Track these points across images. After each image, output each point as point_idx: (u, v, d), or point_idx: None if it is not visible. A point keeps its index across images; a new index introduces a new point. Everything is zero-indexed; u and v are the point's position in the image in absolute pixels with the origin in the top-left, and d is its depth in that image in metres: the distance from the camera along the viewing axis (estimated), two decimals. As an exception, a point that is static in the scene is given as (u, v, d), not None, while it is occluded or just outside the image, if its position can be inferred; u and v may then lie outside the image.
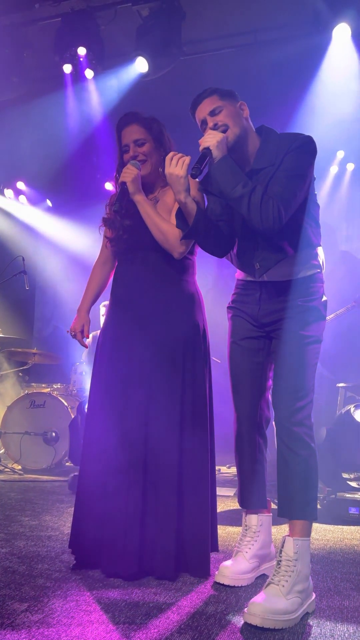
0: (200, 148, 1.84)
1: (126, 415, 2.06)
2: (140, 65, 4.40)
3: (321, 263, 1.99)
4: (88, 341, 2.43)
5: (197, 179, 1.90)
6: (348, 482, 3.18)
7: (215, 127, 1.89)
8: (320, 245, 1.99)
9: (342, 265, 5.56)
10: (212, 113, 1.91)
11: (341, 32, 3.83)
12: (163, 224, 2.08)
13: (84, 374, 4.96)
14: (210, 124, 1.91)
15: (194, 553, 1.98)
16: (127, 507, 1.98)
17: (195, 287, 2.21)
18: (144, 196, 2.12)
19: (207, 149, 1.82)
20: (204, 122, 1.94)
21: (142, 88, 4.70)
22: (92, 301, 2.37)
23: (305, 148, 1.86)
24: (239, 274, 2.10)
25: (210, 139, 1.83)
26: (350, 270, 5.46)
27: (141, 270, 2.16)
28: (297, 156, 1.85)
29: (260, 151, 1.92)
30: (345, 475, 3.19)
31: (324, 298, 1.97)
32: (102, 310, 4.90)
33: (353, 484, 3.17)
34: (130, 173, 2.08)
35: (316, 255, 1.97)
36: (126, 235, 2.19)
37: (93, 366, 2.25)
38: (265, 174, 1.87)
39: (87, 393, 4.81)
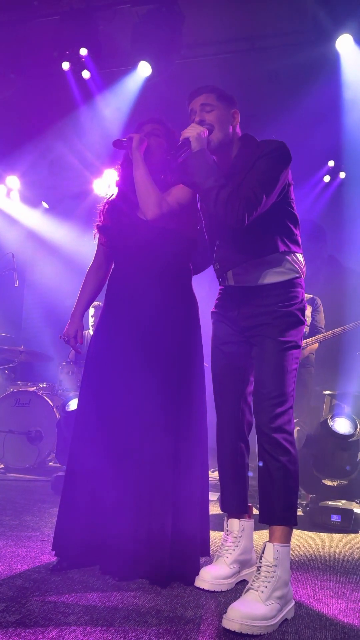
0: (181, 138, 1.91)
1: (118, 417, 2.05)
2: (143, 69, 4.40)
3: (300, 268, 2.00)
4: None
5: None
6: (330, 488, 3.19)
7: (200, 123, 1.95)
8: (298, 252, 2.00)
9: (327, 267, 5.61)
10: (203, 107, 1.97)
11: (344, 43, 3.86)
12: (151, 183, 2.08)
13: (71, 374, 4.93)
14: (197, 118, 1.97)
15: (186, 559, 1.97)
16: (120, 509, 1.97)
17: (190, 292, 2.22)
18: (142, 156, 2.13)
19: (187, 139, 1.89)
20: (193, 112, 2.01)
21: (140, 92, 4.71)
22: (86, 306, 2.37)
23: (277, 154, 1.90)
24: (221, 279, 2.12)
25: (191, 131, 1.90)
26: (335, 275, 5.51)
27: (136, 273, 2.16)
28: (267, 161, 1.89)
29: (237, 156, 1.99)
30: (327, 483, 3.20)
31: (303, 303, 1.99)
32: (92, 311, 4.89)
33: (333, 483, 3.16)
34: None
35: (291, 261, 1.97)
36: (121, 240, 2.19)
37: (84, 367, 2.25)
38: (238, 177, 1.92)
39: (72, 393, 4.80)
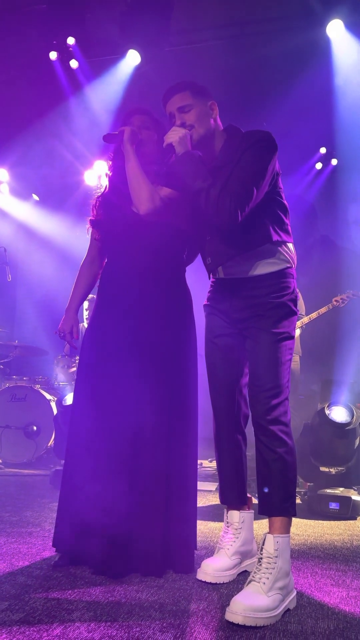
0: (164, 144, 1.92)
1: (113, 411, 2.05)
2: (132, 58, 4.35)
3: (291, 258, 1.99)
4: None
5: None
6: (328, 475, 3.21)
7: (182, 126, 1.95)
8: (289, 242, 2.00)
9: (320, 246, 5.61)
10: (182, 110, 1.97)
11: (335, 28, 3.82)
12: (143, 176, 2.05)
13: (66, 367, 4.92)
14: (178, 122, 1.97)
15: (179, 549, 1.99)
16: (113, 504, 1.97)
17: (184, 286, 2.21)
18: (133, 149, 2.10)
19: (170, 145, 1.90)
20: (172, 116, 2.01)
21: (129, 81, 4.65)
22: (80, 301, 2.35)
23: (263, 144, 1.89)
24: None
25: (174, 136, 1.91)
26: (330, 254, 5.51)
27: (130, 267, 2.14)
28: (254, 152, 1.87)
29: (223, 149, 1.98)
30: (325, 470, 3.22)
31: (295, 293, 1.98)
32: (86, 304, 4.87)
33: (331, 471, 3.18)
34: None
35: (282, 251, 1.96)
36: (115, 234, 2.17)
37: (79, 361, 2.24)
38: (225, 170, 1.91)
39: (68, 386, 4.79)
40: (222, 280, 2.02)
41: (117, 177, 2.21)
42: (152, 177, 2.14)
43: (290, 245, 2.00)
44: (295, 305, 1.97)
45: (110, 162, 2.28)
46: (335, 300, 4.33)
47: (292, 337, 1.95)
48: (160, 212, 2.05)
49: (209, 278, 2.14)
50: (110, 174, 2.26)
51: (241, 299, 1.96)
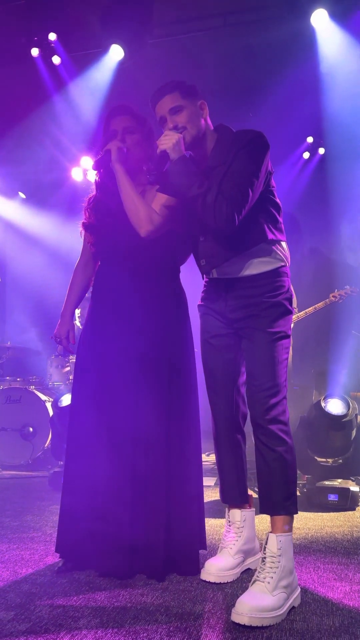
0: (158, 150, 1.88)
1: (112, 414, 2.05)
2: (115, 53, 4.29)
3: (285, 257, 1.99)
4: None
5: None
6: (325, 467, 3.23)
7: (174, 128, 1.92)
8: (283, 240, 1.99)
9: (310, 261, 5.61)
10: (173, 111, 1.94)
11: (319, 18, 3.79)
12: (138, 198, 2.02)
13: (60, 367, 4.90)
14: (170, 125, 1.94)
15: (183, 551, 1.99)
16: (116, 505, 1.97)
17: (179, 288, 2.20)
18: (123, 168, 2.06)
19: (165, 151, 1.87)
20: (163, 119, 1.98)
21: (113, 76, 4.60)
22: (75, 305, 2.34)
23: (256, 144, 1.88)
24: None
25: (167, 141, 1.87)
26: (321, 267, 5.51)
27: (123, 271, 2.13)
28: (247, 154, 1.86)
29: (215, 149, 1.96)
30: (322, 462, 3.24)
31: (290, 291, 1.98)
32: (77, 312, 4.85)
33: (329, 462, 3.20)
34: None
35: (276, 250, 1.95)
36: (109, 237, 2.15)
37: (75, 365, 2.24)
38: (218, 172, 1.89)
39: (62, 386, 4.78)
40: (216, 280, 2.02)
41: (107, 177, 2.18)
42: (145, 181, 2.11)
43: (284, 244, 2.00)
44: (291, 304, 1.97)
45: (99, 167, 2.24)
46: (333, 296, 4.32)
47: (288, 336, 1.95)
48: (160, 229, 2.03)
49: (203, 278, 2.13)
50: (98, 179, 2.23)
51: (236, 298, 1.96)
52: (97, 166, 2.09)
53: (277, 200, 1.99)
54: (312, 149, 6.02)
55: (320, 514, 2.96)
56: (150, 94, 2.00)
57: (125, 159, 2.07)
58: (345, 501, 3.00)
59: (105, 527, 1.98)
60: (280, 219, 1.99)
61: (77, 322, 5.10)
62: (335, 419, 3.12)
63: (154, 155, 1.95)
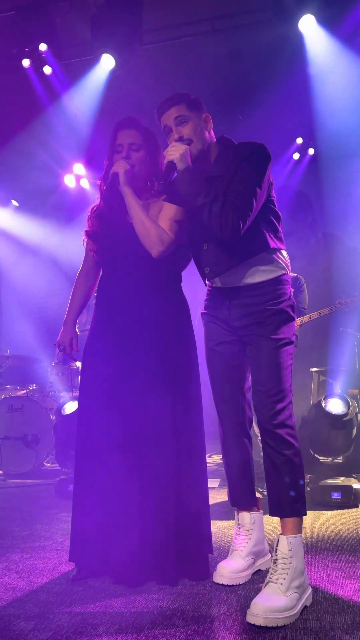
0: (165, 160, 1.93)
1: (120, 420, 2.08)
2: (107, 62, 4.33)
3: (286, 265, 2.04)
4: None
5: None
6: (328, 466, 3.29)
7: (180, 139, 1.97)
8: (283, 249, 2.05)
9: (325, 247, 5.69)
10: (178, 121, 1.99)
11: (307, 23, 3.84)
12: (148, 219, 2.08)
13: (61, 375, 4.93)
14: (176, 136, 1.99)
15: (193, 556, 2.04)
16: (127, 513, 2.01)
17: (180, 295, 2.24)
18: (131, 190, 2.11)
19: (172, 162, 1.91)
20: (168, 128, 2.02)
21: (106, 84, 4.63)
22: (78, 313, 2.37)
23: (259, 156, 1.94)
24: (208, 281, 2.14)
25: (174, 152, 1.92)
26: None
27: (127, 280, 2.16)
28: (250, 165, 1.92)
29: (217, 159, 2.01)
30: (324, 461, 3.30)
31: (292, 299, 2.03)
32: None
33: (330, 461, 3.26)
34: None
35: (277, 258, 2.01)
36: (111, 245, 2.19)
37: (81, 374, 2.28)
38: (222, 181, 1.95)
39: (64, 394, 4.81)
40: (218, 289, 2.06)
41: (111, 191, 2.21)
42: (148, 195, 2.16)
43: (284, 252, 2.05)
44: (293, 311, 2.02)
45: (103, 174, 2.28)
46: (339, 303, 4.33)
47: (292, 342, 2.00)
48: (171, 246, 2.08)
49: (205, 284, 2.17)
50: (103, 187, 2.26)
51: (240, 307, 2.01)
52: (108, 192, 2.12)
53: (277, 210, 2.04)
54: (302, 149, 6.10)
55: (324, 512, 3.02)
56: (156, 106, 2.04)
57: (132, 179, 2.12)
58: (349, 499, 3.06)
59: (116, 535, 2.02)
60: (280, 228, 2.05)
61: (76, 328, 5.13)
62: (336, 419, 3.18)
63: (159, 171, 1.99)
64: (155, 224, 2.07)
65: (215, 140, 2.07)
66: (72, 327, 2.37)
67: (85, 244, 2.33)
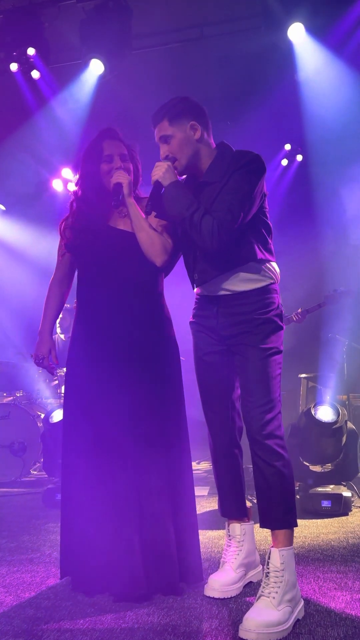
0: (152, 181, 2.00)
1: (106, 431, 2.06)
2: (95, 67, 4.31)
3: (274, 275, 2.04)
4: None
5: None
6: (317, 474, 3.28)
7: (166, 158, 2.02)
8: (272, 261, 2.04)
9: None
10: (163, 140, 2.04)
11: (296, 32, 3.86)
12: (151, 229, 2.09)
13: (48, 381, 4.88)
14: (162, 155, 2.05)
15: (191, 562, 2.03)
16: (122, 525, 1.97)
17: (162, 302, 2.23)
18: (134, 201, 2.12)
19: (157, 181, 1.98)
20: (158, 144, 2.09)
21: (95, 89, 4.61)
22: (53, 321, 2.31)
23: (252, 167, 1.94)
24: (197, 289, 2.13)
25: (158, 172, 1.99)
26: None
27: (108, 289, 2.14)
28: (242, 176, 1.92)
29: (212, 166, 2.02)
30: (313, 468, 3.30)
31: (280, 308, 2.03)
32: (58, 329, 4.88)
33: (320, 469, 3.26)
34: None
35: (265, 268, 2.00)
36: (92, 257, 2.17)
37: (65, 385, 2.24)
38: (213, 189, 1.96)
39: (51, 401, 4.76)
40: (206, 297, 2.05)
41: (92, 193, 2.18)
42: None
43: (274, 264, 2.04)
44: (282, 320, 2.02)
45: (79, 173, 2.24)
46: (325, 297, 4.32)
47: (280, 352, 1.99)
48: (174, 255, 2.14)
49: (193, 289, 2.15)
50: (80, 194, 2.22)
51: (227, 315, 1.99)
52: (116, 205, 2.11)
53: (269, 222, 2.03)
54: (290, 156, 6.13)
55: (314, 520, 3.01)
56: (144, 111, 2.11)
57: (133, 189, 2.14)
58: (339, 507, 3.06)
59: (114, 549, 1.97)
60: (271, 240, 2.04)
61: (58, 330, 5.09)
62: (326, 426, 3.18)
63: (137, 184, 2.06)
64: (158, 233, 2.10)
65: (213, 145, 2.07)
66: (48, 337, 2.29)
67: (58, 252, 2.28)
